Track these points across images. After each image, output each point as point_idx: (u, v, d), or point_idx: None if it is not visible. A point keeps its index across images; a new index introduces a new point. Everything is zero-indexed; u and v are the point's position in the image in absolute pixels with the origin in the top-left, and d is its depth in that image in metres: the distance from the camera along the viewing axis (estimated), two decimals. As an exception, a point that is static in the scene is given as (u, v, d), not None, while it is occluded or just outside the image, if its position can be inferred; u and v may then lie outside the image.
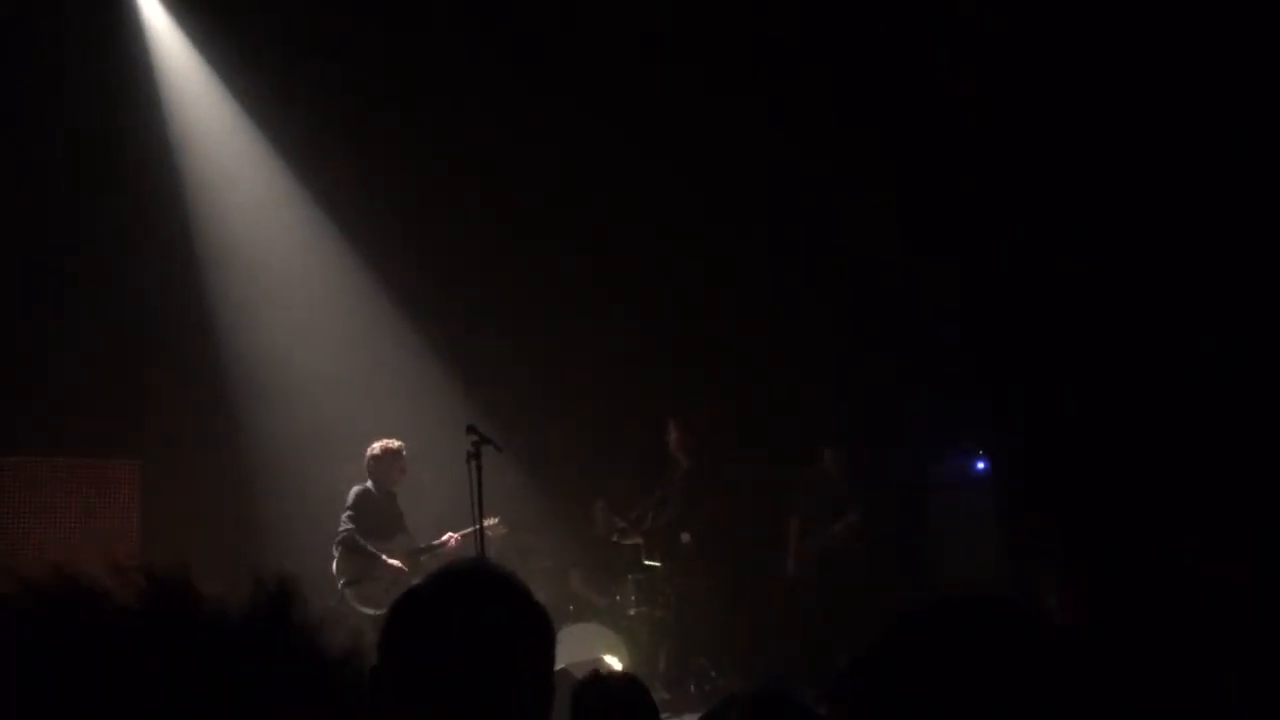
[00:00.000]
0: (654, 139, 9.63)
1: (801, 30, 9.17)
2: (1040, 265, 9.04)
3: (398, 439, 8.61)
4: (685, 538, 9.13)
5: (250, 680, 0.80)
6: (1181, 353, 8.30)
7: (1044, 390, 9.03)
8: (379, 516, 8.46)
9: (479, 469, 6.87)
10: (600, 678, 3.63)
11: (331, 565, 8.34)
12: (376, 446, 8.54)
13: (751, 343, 9.91)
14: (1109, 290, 8.83)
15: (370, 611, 7.91)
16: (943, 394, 9.40)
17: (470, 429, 6.97)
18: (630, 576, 9.29)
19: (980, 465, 9.86)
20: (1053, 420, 8.96)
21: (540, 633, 1.86)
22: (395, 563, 8.33)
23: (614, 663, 8.15)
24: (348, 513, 8.37)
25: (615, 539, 9.35)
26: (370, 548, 8.32)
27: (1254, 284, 8.10)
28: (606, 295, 10.06)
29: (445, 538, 8.55)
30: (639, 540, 9.26)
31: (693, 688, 9.01)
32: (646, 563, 9.21)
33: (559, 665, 7.47)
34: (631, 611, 9.13)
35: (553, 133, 9.73)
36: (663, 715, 8.13)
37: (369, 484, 8.51)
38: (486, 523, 7.24)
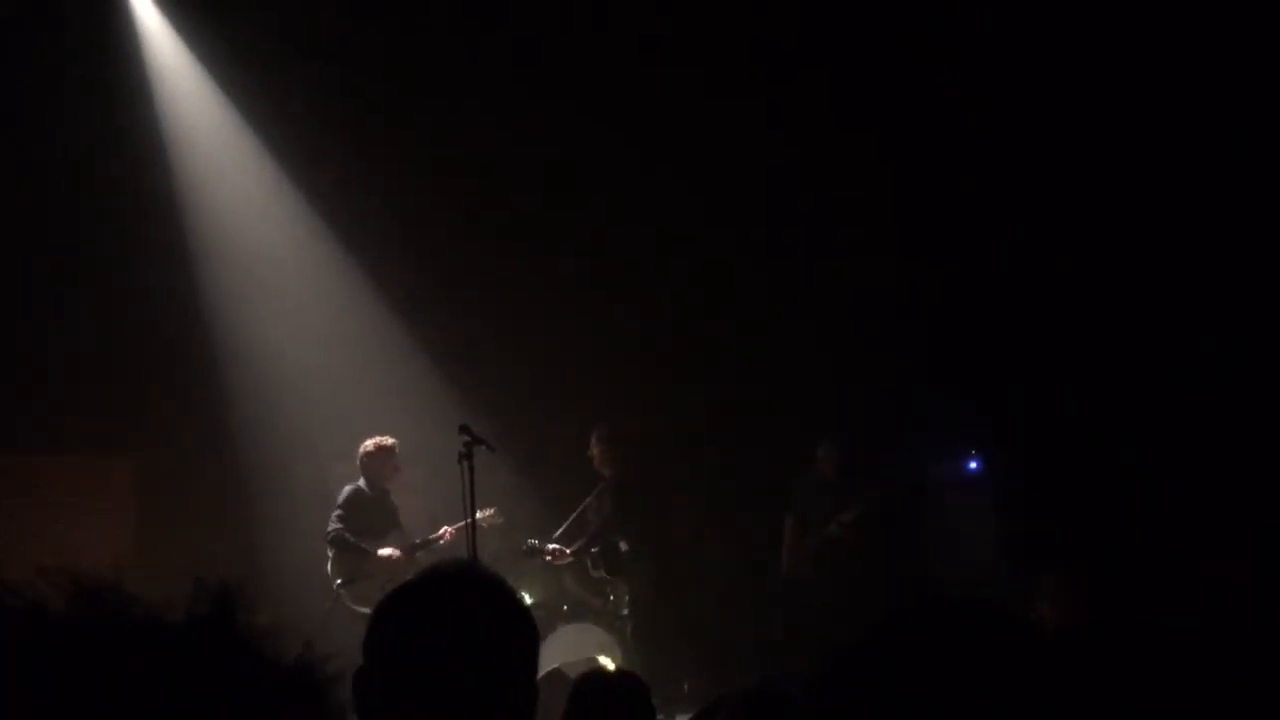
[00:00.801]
0: (651, 139, 9.61)
1: (797, 32, 9.15)
2: (1037, 265, 9.03)
3: (390, 436, 8.60)
4: (623, 546, 9.06)
5: (184, 689, 0.75)
6: (1179, 352, 8.29)
7: (1041, 390, 9.01)
8: (372, 515, 8.44)
9: (471, 469, 6.87)
10: (598, 673, 3.62)
11: (327, 565, 8.33)
12: (369, 444, 8.51)
13: (748, 343, 9.90)
14: (1107, 290, 8.82)
15: (366, 611, 7.88)
16: (940, 394, 9.38)
17: (463, 429, 6.96)
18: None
19: (974, 465, 9.85)
20: (1050, 420, 8.94)
21: (524, 634, 1.85)
22: (386, 552, 8.31)
23: (607, 663, 8.13)
24: (337, 512, 8.36)
25: (549, 559, 9.14)
26: (361, 544, 8.30)
27: (1252, 283, 8.09)
28: (603, 295, 10.05)
29: (441, 531, 8.52)
30: (572, 560, 9.15)
31: (686, 687, 9.00)
32: (594, 575, 9.13)
33: (553, 665, 7.48)
34: (625, 612, 9.12)
35: (549, 131, 9.70)
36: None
37: (361, 482, 8.49)
38: (483, 514, 7.24)
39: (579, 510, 9.12)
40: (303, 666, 0.83)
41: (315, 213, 9.94)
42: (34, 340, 8.96)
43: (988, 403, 9.37)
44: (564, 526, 9.11)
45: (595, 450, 9.18)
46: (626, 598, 9.13)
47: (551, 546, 9.00)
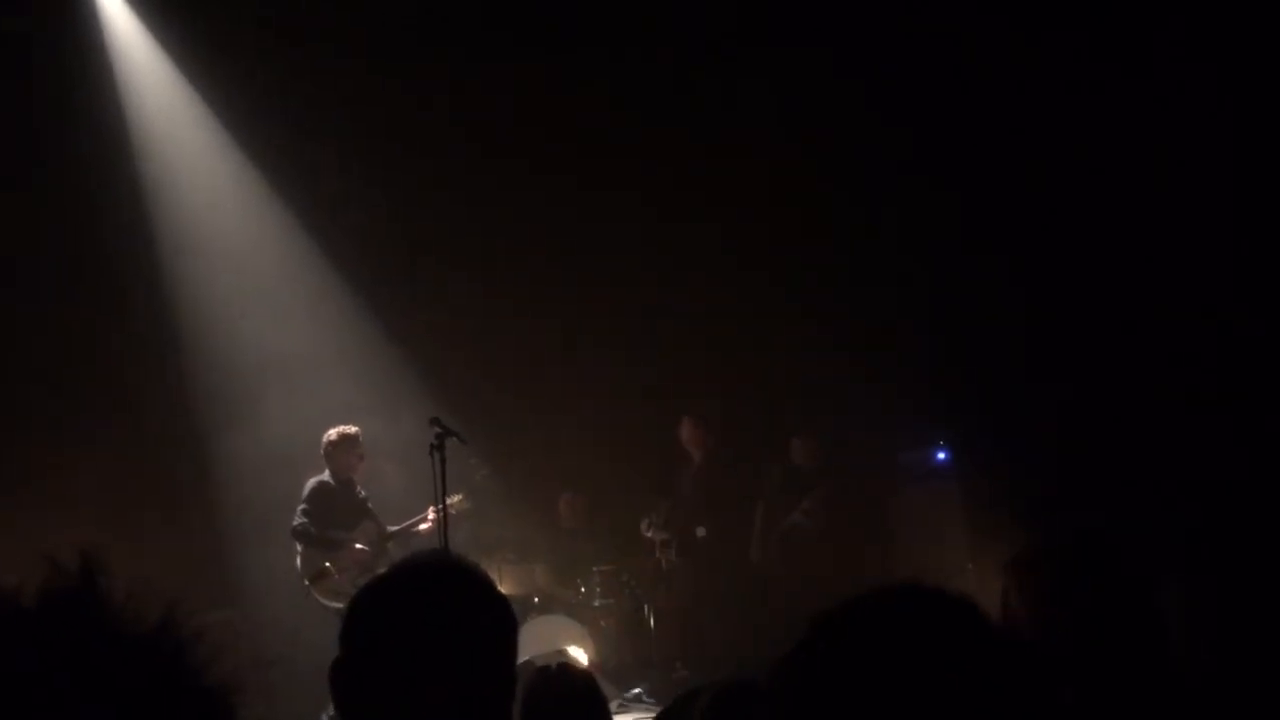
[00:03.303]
0: (633, 122, 9.57)
1: (780, 24, 9.15)
2: (1008, 251, 9.08)
3: (354, 425, 8.55)
4: (700, 531, 9.18)
5: (42, 662, 0.79)
6: (1158, 336, 8.36)
7: (1011, 381, 9.07)
8: (338, 506, 8.39)
9: (443, 461, 6.87)
10: (543, 674, 3.61)
11: (296, 561, 8.29)
12: (333, 433, 8.46)
13: (719, 333, 9.91)
14: (1078, 280, 8.87)
15: (338, 606, 7.87)
16: (909, 384, 9.42)
17: (434, 421, 6.95)
18: (595, 569, 9.33)
19: (941, 455, 9.90)
20: (1018, 411, 9.00)
21: (502, 623, 1.86)
22: (359, 545, 8.27)
23: (579, 655, 8.16)
24: (301, 506, 8.30)
25: (659, 554, 9.34)
26: (328, 534, 8.25)
27: (1239, 269, 8.16)
28: (575, 290, 10.04)
29: (424, 515, 8.39)
30: (664, 537, 9.32)
31: (658, 677, 9.04)
32: (658, 556, 9.29)
33: (524, 657, 7.50)
34: (596, 604, 9.15)
35: (527, 121, 9.66)
36: (632, 707, 8.16)
37: (325, 474, 8.44)
38: (450, 500, 7.24)
39: (673, 495, 9.37)
40: (161, 628, 0.86)
41: (286, 205, 9.89)
42: (2, 334, 8.88)
43: (955, 392, 9.42)
44: (662, 512, 9.34)
45: (686, 430, 9.30)
46: (598, 589, 9.18)
47: (662, 537, 9.26)
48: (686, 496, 9.33)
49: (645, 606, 9.44)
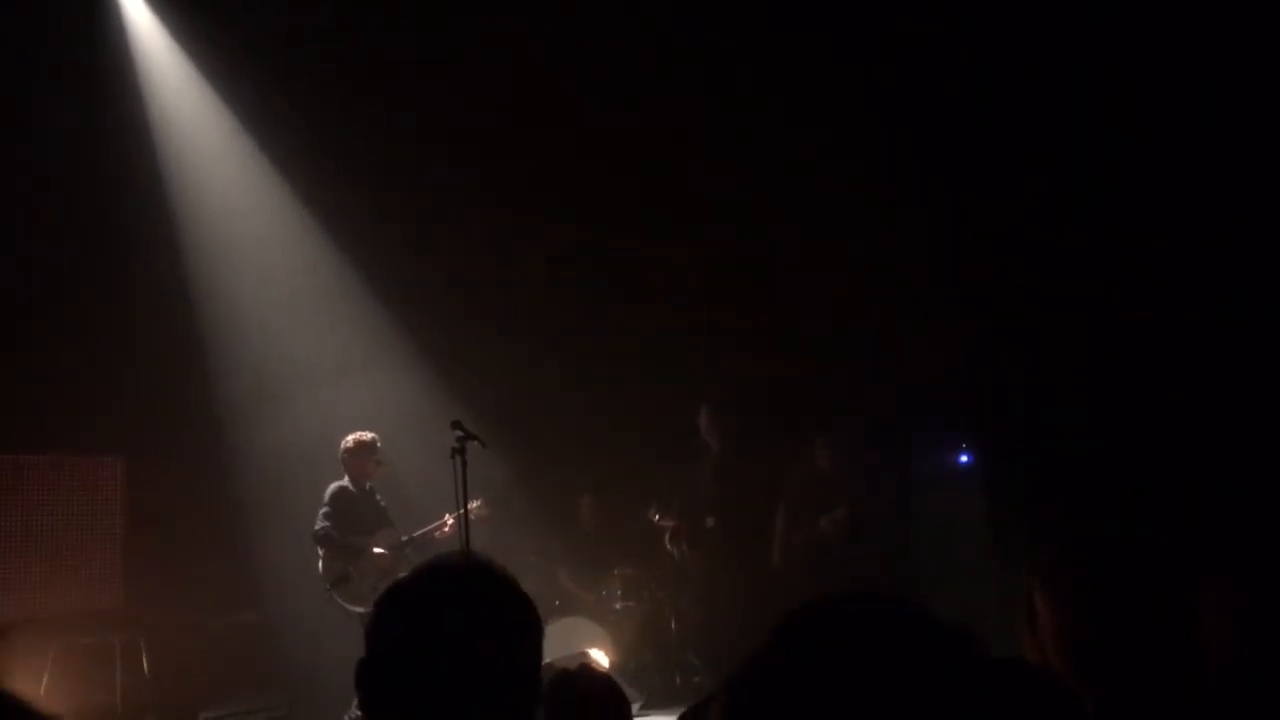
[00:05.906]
0: (647, 122, 9.57)
1: (780, 31, 9.15)
2: (1031, 257, 9.05)
3: (370, 431, 8.57)
4: (710, 521, 9.12)
5: None
6: (1179, 338, 8.32)
7: (1035, 383, 9.04)
8: (357, 512, 8.41)
9: (464, 464, 6.88)
10: (570, 672, 3.61)
11: (319, 565, 8.32)
12: (349, 440, 8.49)
13: (743, 339, 9.90)
14: (1103, 276, 8.83)
15: (359, 610, 7.90)
16: (931, 387, 9.39)
17: (455, 424, 6.96)
18: (616, 571, 9.31)
19: (964, 459, 9.86)
20: (1042, 414, 8.96)
21: (528, 624, 1.86)
22: (379, 550, 8.29)
23: (600, 657, 8.17)
24: (323, 509, 8.32)
25: (670, 545, 9.23)
26: (349, 540, 8.27)
27: (1256, 276, 8.12)
28: (592, 292, 10.05)
29: (442, 520, 8.46)
30: (673, 523, 9.19)
31: (678, 680, 9.03)
32: (669, 548, 9.19)
33: (545, 660, 7.50)
34: (618, 606, 9.15)
35: (540, 113, 9.66)
36: (648, 710, 8.16)
37: (345, 480, 8.46)
38: (471, 505, 7.25)
39: (688, 481, 9.21)
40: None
41: (307, 209, 9.93)
42: (22, 337, 8.93)
43: (978, 395, 9.39)
44: (675, 497, 9.20)
45: (704, 419, 9.26)
46: (619, 591, 9.17)
47: (662, 512, 9.12)
48: (703, 486, 9.27)
49: (666, 610, 9.43)
